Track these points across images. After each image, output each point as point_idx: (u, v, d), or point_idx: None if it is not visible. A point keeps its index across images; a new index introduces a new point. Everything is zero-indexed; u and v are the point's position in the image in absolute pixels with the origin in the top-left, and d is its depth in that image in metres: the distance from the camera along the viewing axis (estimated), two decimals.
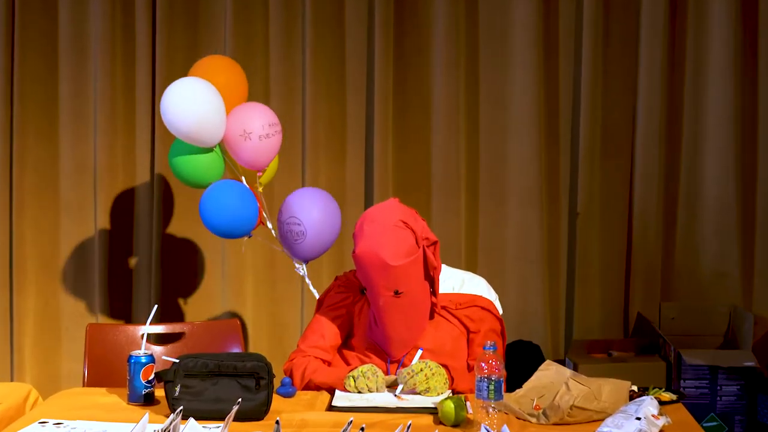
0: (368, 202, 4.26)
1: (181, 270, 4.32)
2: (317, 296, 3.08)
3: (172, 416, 1.94)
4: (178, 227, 4.30)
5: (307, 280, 3.56)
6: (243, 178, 3.48)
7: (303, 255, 3.43)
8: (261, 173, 3.45)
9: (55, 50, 4.24)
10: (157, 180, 4.26)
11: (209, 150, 3.36)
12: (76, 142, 4.25)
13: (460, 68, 4.23)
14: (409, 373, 2.48)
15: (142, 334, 2.71)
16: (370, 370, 2.52)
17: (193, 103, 3.22)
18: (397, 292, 2.54)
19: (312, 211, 3.35)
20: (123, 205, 4.29)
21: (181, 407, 2.08)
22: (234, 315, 4.28)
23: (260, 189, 3.47)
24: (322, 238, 3.38)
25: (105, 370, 3.03)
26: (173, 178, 4.24)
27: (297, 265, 3.52)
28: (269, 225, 3.51)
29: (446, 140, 4.27)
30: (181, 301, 4.33)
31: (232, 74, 3.46)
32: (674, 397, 2.42)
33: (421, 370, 2.48)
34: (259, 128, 3.33)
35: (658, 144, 4.30)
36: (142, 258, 4.30)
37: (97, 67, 4.19)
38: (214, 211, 3.31)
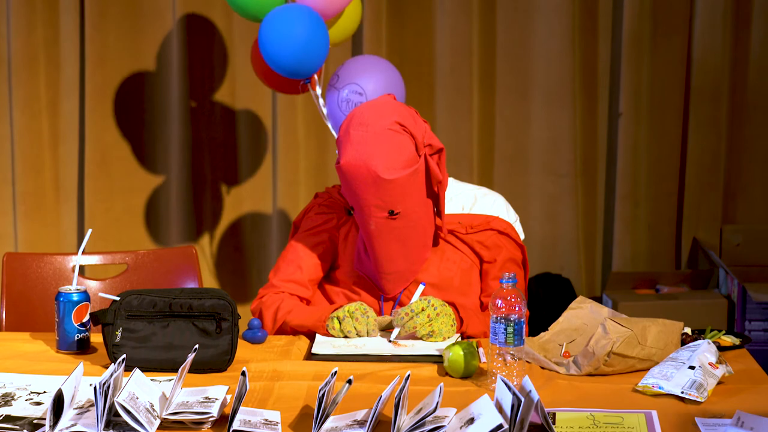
0: None
1: (120, 185, 4.32)
2: None
3: (112, 367, 1.96)
4: (114, 131, 4.29)
5: None
6: None
7: None
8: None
9: None
10: (89, 70, 4.24)
11: None
12: None
13: None
14: (407, 314, 2.50)
15: (74, 266, 2.72)
16: (358, 310, 2.54)
17: None
18: (392, 213, 2.55)
19: (376, 79, 3.39)
20: (45, 102, 4.27)
21: (124, 356, 2.10)
22: (188, 241, 4.30)
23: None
24: None
25: (27, 310, 3.05)
26: (107, 67, 4.23)
27: None
28: (317, 91, 3.52)
29: (455, 18, 4.23)
30: (121, 226, 4.34)
31: None
32: (737, 341, 2.45)
33: (423, 309, 2.50)
34: None
35: (722, 22, 4.28)
36: (70, 170, 4.29)
37: None
38: (279, 40, 3.34)
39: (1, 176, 4.26)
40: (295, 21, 3.33)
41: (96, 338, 2.48)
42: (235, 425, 1.90)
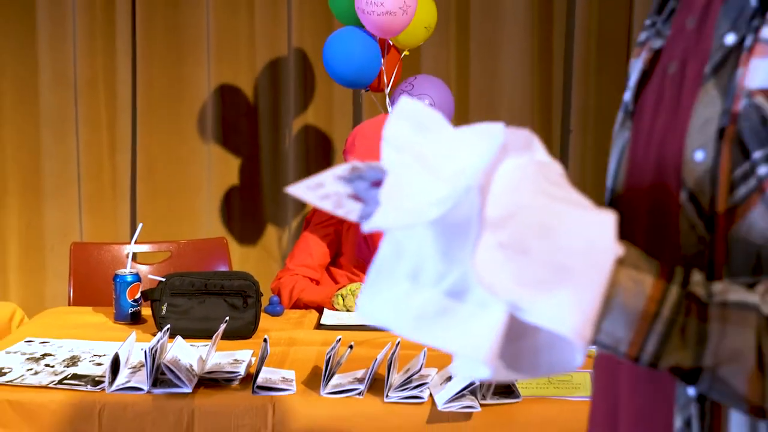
0: (356, 119, 4.25)
1: (165, 187, 4.33)
2: None
3: (159, 335, 1.98)
4: (160, 144, 4.30)
5: None
6: None
7: None
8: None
9: None
10: (140, 93, 4.24)
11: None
12: (54, 55, 4.21)
13: None
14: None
15: (128, 253, 2.73)
16: (359, 288, 2.55)
17: None
18: None
19: (440, 92, 3.47)
20: (104, 120, 4.27)
21: (169, 326, 2.11)
22: (220, 233, 4.31)
23: (406, 52, 3.54)
24: None
25: (90, 289, 3.06)
26: (155, 91, 4.24)
27: None
28: (387, 89, 3.55)
29: (437, 51, 4.24)
30: (166, 221, 4.35)
31: None
32: None
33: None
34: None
35: None
36: (125, 175, 4.30)
37: None
38: (338, 57, 3.37)
39: (69, 180, 4.26)
40: (354, 43, 3.35)
41: (146, 311, 2.50)
42: (259, 382, 1.91)
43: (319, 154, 4.33)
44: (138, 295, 2.48)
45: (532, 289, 0.73)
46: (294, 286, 2.66)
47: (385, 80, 3.52)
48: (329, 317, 2.49)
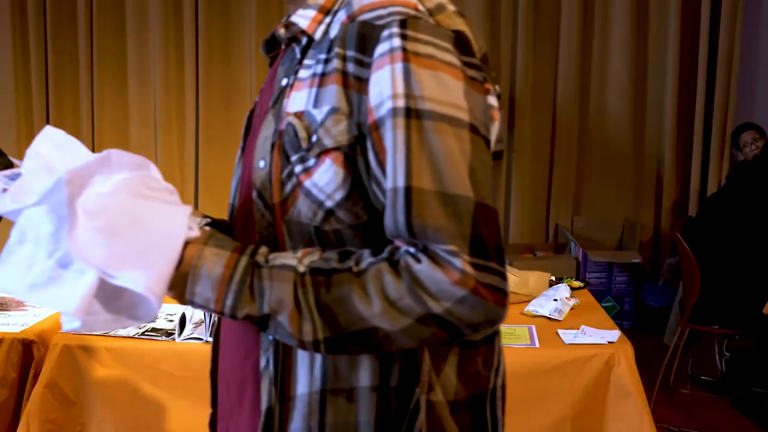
0: None
1: (219, 197, 4.31)
2: None
3: None
4: (216, 163, 4.28)
5: None
6: None
7: None
8: None
9: (123, 32, 4.17)
10: (201, 128, 4.24)
11: None
12: (140, 101, 4.21)
13: None
14: None
15: None
16: None
17: None
18: None
19: None
20: (176, 148, 4.26)
21: None
22: None
23: None
24: None
25: None
26: (211, 129, 4.23)
27: None
28: None
29: None
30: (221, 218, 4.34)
31: None
32: (581, 284, 2.44)
33: None
34: None
35: (576, 99, 4.29)
36: (191, 187, 4.29)
37: (156, 46, 4.13)
38: None
39: None
40: None
41: None
42: None
43: None
44: None
45: (119, 260, 0.73)
46: None
47: None
48: None
